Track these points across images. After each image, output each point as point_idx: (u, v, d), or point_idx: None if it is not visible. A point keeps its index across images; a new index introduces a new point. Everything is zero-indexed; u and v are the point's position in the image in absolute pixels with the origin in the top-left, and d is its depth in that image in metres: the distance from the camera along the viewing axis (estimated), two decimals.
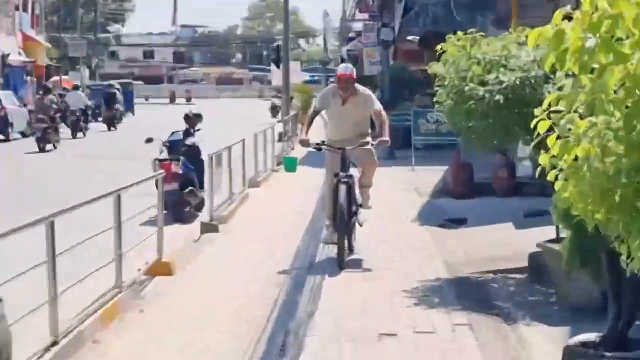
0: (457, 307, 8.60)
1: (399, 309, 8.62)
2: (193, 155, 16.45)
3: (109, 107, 49.31)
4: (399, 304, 8.82)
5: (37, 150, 33.56)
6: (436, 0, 27.54)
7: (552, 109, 2.84)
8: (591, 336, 5.80)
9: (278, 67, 42.90)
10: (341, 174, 8.07)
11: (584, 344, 5.69)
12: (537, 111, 2.90)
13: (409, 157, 24.28)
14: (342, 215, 7.84)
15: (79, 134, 41.49)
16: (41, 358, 6.21)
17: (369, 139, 9.38)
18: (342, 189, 8.02)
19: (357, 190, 9.70)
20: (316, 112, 10.24)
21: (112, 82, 61.76)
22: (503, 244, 11.91)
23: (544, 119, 2.82)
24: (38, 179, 24.24)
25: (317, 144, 9.65)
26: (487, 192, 17.02)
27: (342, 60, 62.86)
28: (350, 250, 9.55)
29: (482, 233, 13.07)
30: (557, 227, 7.76)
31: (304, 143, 10.14)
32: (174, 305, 9.02)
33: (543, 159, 2.99)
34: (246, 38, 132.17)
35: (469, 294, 9.32)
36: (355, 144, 9.14)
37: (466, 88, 8.99)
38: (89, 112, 45.76)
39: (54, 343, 6.48)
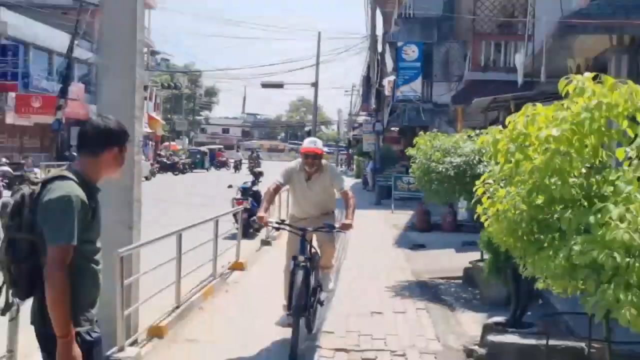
0: (420, 298, 11.80)
1: (384, 298, 11.82)
2: (256, 197, 21.23)
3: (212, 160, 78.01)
4: (385, 294, 12.04)
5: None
6: (410, 107, 32.85)
7: (485, 182, 4.76)
8: (500, 319, 8.59)
9: None
10: (300, 257, 6.53)
11: (496, 323, 8.44)
12: (477, 182, 4.86)
13: (390, 204, 29.98)
14: (298, 301, 6.33)
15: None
16: (169, 316, 9.12)
17: (334, 218, 7.47)
18: (300, 274, 6.48)
19: (318, 272, 7.65)
20: (278, 187, 7.63)
21: (202, 147, 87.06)
22: (448, 261, 15.93)
23: (481, 187, 4.74)
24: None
25: (277, 222, 7.44)
26: (439, 228, 22.25)
27: (349, 143, 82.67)
28: (309, 330, 7.62)
29: (435, 254, 17.66)
30: (482, 252, 10.88)
31: (262, 220, 7.43)
32: (246, 288, 12.46)
33: (479, 209, 4.79)
34: (287, 123, 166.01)
35: (427, 291, 12.63)
36: (318, 224, 7.10)
37: (431, 165, 12.77)
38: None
39: (177, 307, 9.48)
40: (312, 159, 6.91)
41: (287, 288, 6.68)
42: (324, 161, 6.98)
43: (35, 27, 41.30)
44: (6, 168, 30.74)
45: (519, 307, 8.73)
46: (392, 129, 47.60)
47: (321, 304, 7.65)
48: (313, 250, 6.72)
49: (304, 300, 6.05)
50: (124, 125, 3.92)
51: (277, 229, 7.47)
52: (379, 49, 45.13)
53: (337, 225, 6.89)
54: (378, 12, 43.58)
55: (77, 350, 3.46)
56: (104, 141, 3.72)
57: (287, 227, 6.81)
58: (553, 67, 14.43)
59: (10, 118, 39.03)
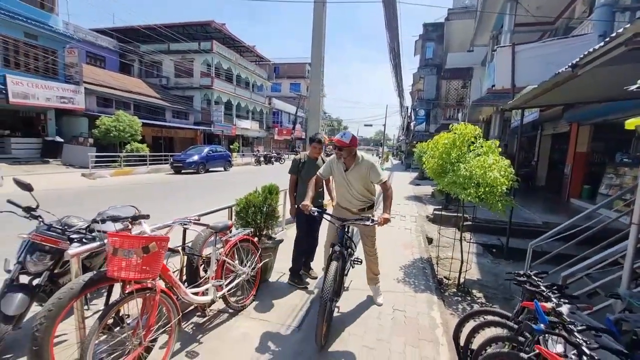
0: (414, 201, 10.58)
1: (402, 199, 10.59)
2: None
3: None
4: (402, 198, 10.71)
5: None
6: (419, 134, 29.05)
7: (428, 154, 4.30)
8: (439, 207, 8.39)
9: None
10: (336, 247, 2.83)
11: (436, 209, 8.16)
12: (424, 158, 4.42)
13: (409, 169, 26.89)
14: (326, 292, 2.51)
15: None
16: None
17: (376, 212, 3.31)
18: (334, 265, 2.69)
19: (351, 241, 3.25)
20: (319, 179, 3.40)
21: None
22: (427, 189, 13.45)
23: (427, 157, 4.30)
24: None
25: (318, 211, 2.97)
26: (426, 179, 16.93)
27: (399, 148, 53.87)
28: (338, 295, 2.93)
29: (423, 187, 14.57)
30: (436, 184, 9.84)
31: (305, 208, 2.90)
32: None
33: (425, 166, 4.39)
34: (374, 140, 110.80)
35: (417, 198, 11.09)
36: (359, 215, 3.19)
37: (421, 154, 10.91)
38: None
39: None
40: (339, 150, 3.11)
41: (326, 251, 3.37)
42: (359, 153, 3.24)
43: (284, 105, 42.21)
44: (262, 153, 28.17)
45: (446, 203, 8.75)
46: (413, 142, 41.95)
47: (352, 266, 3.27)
48: (348, 237, 3.12)
49: (335, 288, 2.73)
50: (317, 136, 3.79)
51: (318, 217, 3.08)
52: (409, 111, 41.77)
53: (375, 218, 2.83)
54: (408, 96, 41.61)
55: (293, 209, 3.68)
56: (310, 142, 3.84)
57: (328, 217, 3.07)
58: (472, 118, 14.05)
59: (276, 137, 40.05)
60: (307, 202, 3.01)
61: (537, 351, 1.70)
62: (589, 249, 3.49)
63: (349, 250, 3.04)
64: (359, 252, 3.30)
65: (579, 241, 3.58)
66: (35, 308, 2.60)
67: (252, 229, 3.23)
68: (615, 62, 2.65)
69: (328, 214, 3.10)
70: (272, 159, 27.80)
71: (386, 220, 2.80)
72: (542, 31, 11.28)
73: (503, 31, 9.46)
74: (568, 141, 9.70)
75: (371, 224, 2.84)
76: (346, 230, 3.06)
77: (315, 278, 3.87)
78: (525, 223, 6.48)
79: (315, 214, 2.98)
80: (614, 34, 2.23)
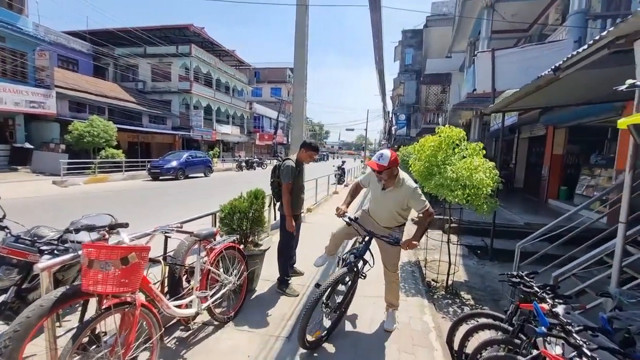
0: None
1: None
2: (342, 169, 16.70)
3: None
4: None
5: None
6: (401, 137, 29.21)
7: (413, 157, 4.32)
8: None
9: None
10: (352, 257, 2.80)
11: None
12: (409, 161, 4.40)
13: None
14: (321, 290, 2.48)
15: None
16: (313, 205, 8.76)
17: (401, 236, 2.98)
18: (341, 271, 2.67)
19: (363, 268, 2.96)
20: (359, 186, 3.15)
21: (324, 153, 64.27)
22: None
23: (411, 161, 4.31)
24: None
25: (350, 218, 2.87)
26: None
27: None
28: (345, 309, 2.99)
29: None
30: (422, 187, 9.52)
31: (338, 211, 2.89)
32: (338, 198, 9.58)
33: (411, 169, 4.22)
34: (355, 144, 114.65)
35: None
36: (385, 232, 2.93)
37: (404, 156, 10.27)
38: None
39: (315, 203, 9.07)
40: (379, 173, 2.80)
41: (332, 240, 3.20)
42: (402, 176, 2.93)
43: (265, 110, 42.34)
44: (244, 158, 27.98)
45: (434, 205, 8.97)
46: (395, 145, 41.67)
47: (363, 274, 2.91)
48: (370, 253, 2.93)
49: (341, 302, 2.84)
50: (317, 144, 3.59)
51: (349, 224, 2.86)
52: (390, 116, 42.40)
53: (403, 239, 2.83)
54: (390, 101, 42.29)
55: (292, 223, 3.42)
56: (305, 146, 3.54)
57: (357, 225, 2.91)
58: (453, 122, 14.34)
59: (257, 142, 39.98)
60: (342, 205, 2.97)
61: (536, 353, 1.69)
62: (572, 249, 3.56)
63: (366, 265, 2.86)
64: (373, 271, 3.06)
65: (563, 242, 3.64)
66: (0, 327, 2.39)
67: (237, 236, 3.09)
68: (595, 66, 2.73)
69: (358, 223, 2.94)
70: (254, 164, 27.54)
71: (412, 246, 2.64)
72: (517, 38, 11.70)
73: (480, 38, 9.73)
74: (545, 144, 10.06)
75: (394, 244, 2.71)
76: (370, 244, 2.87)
77: (301, 274, 3.92)
78: (507, 224, 6.61)
79: (347, 220, 2.88)
80: (597, 37, 2.27)
